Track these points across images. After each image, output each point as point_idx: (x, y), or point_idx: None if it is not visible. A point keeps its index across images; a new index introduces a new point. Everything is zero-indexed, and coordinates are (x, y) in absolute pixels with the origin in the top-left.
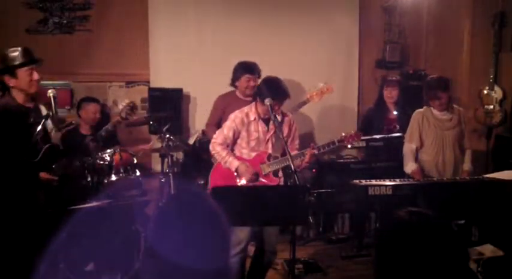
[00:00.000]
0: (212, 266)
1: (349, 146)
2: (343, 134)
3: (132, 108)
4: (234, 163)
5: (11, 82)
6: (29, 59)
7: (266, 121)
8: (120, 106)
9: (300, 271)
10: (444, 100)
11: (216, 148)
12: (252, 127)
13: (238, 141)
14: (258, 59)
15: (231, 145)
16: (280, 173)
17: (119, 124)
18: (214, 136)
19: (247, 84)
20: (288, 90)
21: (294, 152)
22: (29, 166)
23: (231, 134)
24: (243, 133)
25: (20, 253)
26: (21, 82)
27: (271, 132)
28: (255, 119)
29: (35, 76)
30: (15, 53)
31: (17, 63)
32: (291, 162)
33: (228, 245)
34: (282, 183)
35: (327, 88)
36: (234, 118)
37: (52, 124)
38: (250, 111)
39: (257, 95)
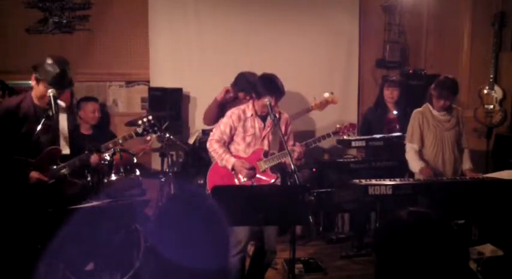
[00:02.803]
0: (212, 266)
1: (345, 137)
2: (338, 126)
3: (152, 125)
4: (230, 161)
5: (33, 82)
6: (56, 84)
7: (263, 118)
8: (140, 122)
9: (300, 271)
10: (449, 103)
11: (214, 145)
12: (249, 123)
13: (234, 137)
14: (257, 59)
15: (227, 143)
16: (278, 173)
17: (130, 138)
18: (211, 133)
19: None
20: (283, 87)
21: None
22: (25, 165)
23: (227, 130)
24: (239, 129)
25: (20, 253)
26: (37, 91)
27: (268, 129)
28: (252, 115)
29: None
30: (52, 70)
31: (44, 77)
32: (291, 160)
33: (228, 244)
34: (279, 180)
35: (332, 99)
36: (231, 115)
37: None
38: (247, 107)
39: (254, 92)
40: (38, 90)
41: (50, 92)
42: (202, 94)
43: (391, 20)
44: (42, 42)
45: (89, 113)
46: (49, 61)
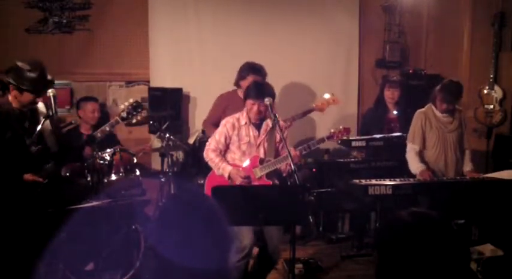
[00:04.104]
0: (212, 266)
1: (339, 142)
2: (332, 130)
3: (135, 107)
4: (226, 169)
5: (13, 92)
6: (40, 89)
7: (257, 126)
8: (122, 106)
9: (300, 271)
10: (452, 107)
11: (210, 155)
12: (243, 132)
13: (230, 146)
14: (257, 59)
15: (223, 151)
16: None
17: (117, 124)
18: (207, 143)
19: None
20: (265, 72)
21: (282, 156)
22: (18, 168)
23: (222, 139)
24: (234, 138)
25: (20, 253)
26: (24, 99)
27: (263, 137)
28: (246, 123)
29: (39, 100)
30: (32, 75)
31: (27, 87)
32: (291, 161)
33: (228, 244)
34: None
35: (333, 100)
36: (225, 123)
37: (50, 124)
38: (242, 115)
39: (237, 77)
40: (24, 98)
41: (50, 92)
42: (202, 94)
43: (391, 20)
44: (42, 42)
45: (89, 113)
46: (23, 66)
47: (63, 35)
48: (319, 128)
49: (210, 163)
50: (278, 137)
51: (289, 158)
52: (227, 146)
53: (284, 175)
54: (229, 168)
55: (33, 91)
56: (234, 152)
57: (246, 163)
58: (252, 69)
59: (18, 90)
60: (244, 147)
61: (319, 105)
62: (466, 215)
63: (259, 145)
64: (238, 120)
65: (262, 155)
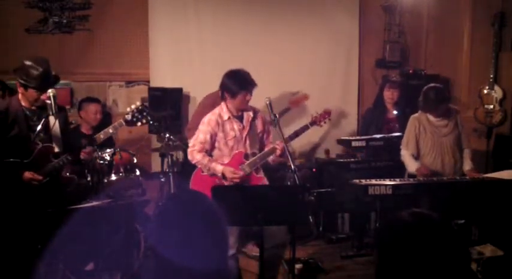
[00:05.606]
0: (212, 266)
1: (322, 124)
2: (314, 115)
3: (141, 111)
4: (217, 169)
5: (20, 89)
6: (44, 86)
7: (240, 119)
8: (128, 109)
9: (300, 271)
10: (442, 111)
11: (196, 156)
12: (228, 127)
13: (216, 144)
14: (257, 59)
15: (209, 150)
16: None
17: (120, 127)
18: (191, 144)
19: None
20: (253, 79)
21: (268, 148)
22: (19, 167)
23: (208, 137)
24: (220, 134)
25: (20, 253)
26: (28, 97)
27: (248, 129)
28: (229, 118)
29: (44, 96)
30: (36, 72)
31: (32, 84)
32: (291, 162)
33: (227, 244)
34: (265, 180)
35: (304, 96)
36: (208, 121)
37: (58, 122)
38: (222, 110)
39: (225, 91)
40: (29, 95)
41: (50, 92)
42: (202, 94)
43: (391, 20)
44: (42, 42)
45: (91, 114)
46: (29, 63)
47: (63, 35)
48: (319, 129)
49: (198, 165)
50: (260, 128)
51: (290, 157)
52: (213, 145)
53: (272, 163)
54: (220, 168)
55: (35, 87)
56: (221, 149)
57: (230, 160)
58: (245, 86)
59: (23, 86)
60: (231, 143)
61: (294, 102)
62: (466, 215)
63: (245, 138)
64: (220, 115)
65: (248, 148)
